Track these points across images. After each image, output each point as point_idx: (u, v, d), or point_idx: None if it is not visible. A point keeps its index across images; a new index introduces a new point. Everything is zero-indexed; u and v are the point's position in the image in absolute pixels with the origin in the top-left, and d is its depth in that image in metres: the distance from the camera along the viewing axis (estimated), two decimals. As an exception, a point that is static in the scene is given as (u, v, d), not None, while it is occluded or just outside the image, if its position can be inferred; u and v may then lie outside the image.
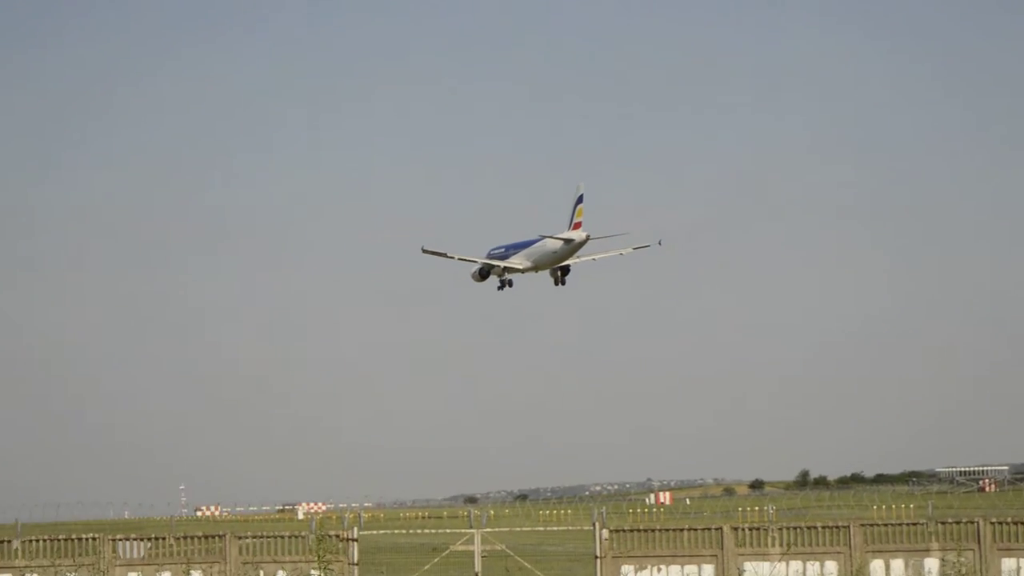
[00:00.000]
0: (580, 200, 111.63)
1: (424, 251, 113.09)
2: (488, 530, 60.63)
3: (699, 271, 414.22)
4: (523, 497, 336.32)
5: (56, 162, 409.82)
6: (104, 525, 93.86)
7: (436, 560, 60.44)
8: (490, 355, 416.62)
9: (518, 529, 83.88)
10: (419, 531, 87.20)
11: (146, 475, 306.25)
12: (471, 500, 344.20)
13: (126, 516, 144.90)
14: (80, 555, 55.22)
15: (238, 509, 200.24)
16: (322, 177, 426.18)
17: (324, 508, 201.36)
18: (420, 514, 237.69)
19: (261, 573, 48.73)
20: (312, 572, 50.51)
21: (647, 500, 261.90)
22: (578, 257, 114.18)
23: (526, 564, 59.36)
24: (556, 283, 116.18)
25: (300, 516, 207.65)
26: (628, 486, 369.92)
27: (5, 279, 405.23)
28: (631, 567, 57.08)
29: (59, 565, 44.88)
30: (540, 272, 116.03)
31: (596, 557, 57.42)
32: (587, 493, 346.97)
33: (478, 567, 57.87)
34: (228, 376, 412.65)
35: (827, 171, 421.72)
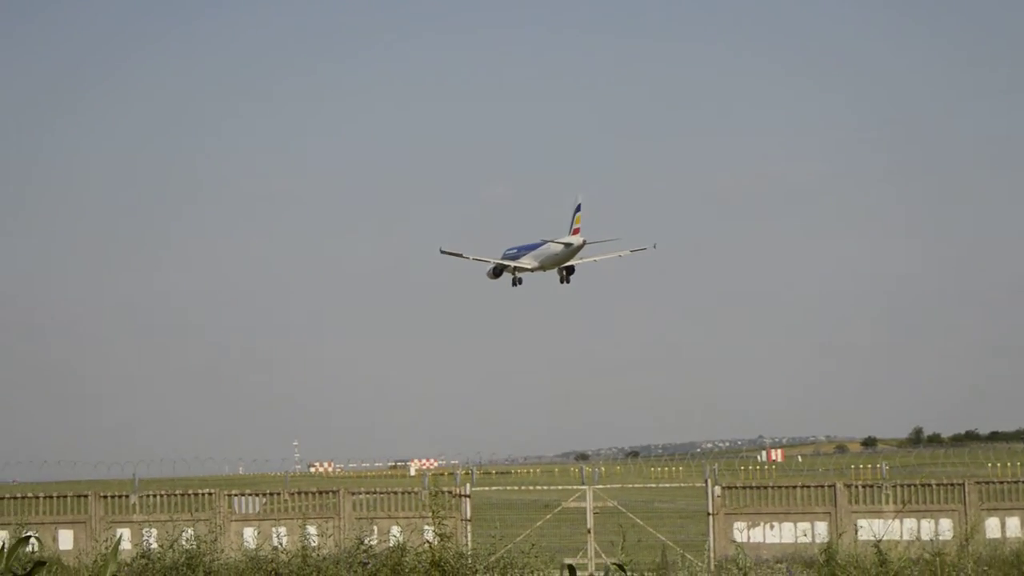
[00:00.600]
0: (578, 208, 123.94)
1: (442, 252, 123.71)
2: (600, 487, 60.70)
3: (810, 223, 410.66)
4: (634, 454, 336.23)
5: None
6: (219, 481, 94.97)
7: (548, 517, 60.56)
8: (602, 312, 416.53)
9: (629, 486, 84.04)
10: (531, 487, 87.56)
11: (260, 432, 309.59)
12: (582, 457, 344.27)
13: (240, 472, 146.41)
14: (196, 510, 55.92)
15: (351, 465, 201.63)
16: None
17: (436, 464, 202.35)
18: (532, 471, 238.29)
19: (375, 528, 49.18)
20: (425, 527, 50.86)
21: (759, 457, 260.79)
22: (580, 259, 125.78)
23: (638, 521, 59.36)
24: (561, 281, 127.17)
25: (412, 472, 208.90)
26: (740, 443, 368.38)
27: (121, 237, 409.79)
28: (743, 524, 56.92)
29: (176, 520, 45.53)
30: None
31: (708, 514, 57.32)
32: (698, 450, 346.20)
33: (590, 523, 57.96)
34: (342, 335, 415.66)
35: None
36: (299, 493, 58.60)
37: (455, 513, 53.94)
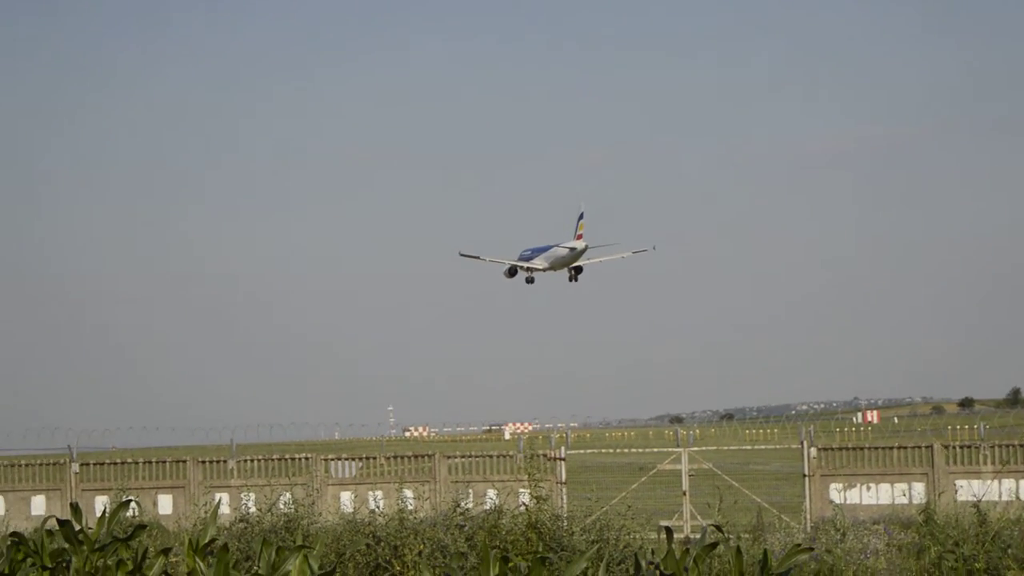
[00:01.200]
0: (582, 216, 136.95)
1: (461, 255, 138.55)
2: (695, 449, 60.62)
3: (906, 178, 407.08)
4: (729, 416, 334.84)
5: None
6: (316, 446, 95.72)
7: (643, 479, 60.56)
8: (694, 273, 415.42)
9: (724, 448, 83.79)
10: (625, 450, 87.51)
11: (355, 397, 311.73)
12: (677, 420, 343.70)
13: (336, 437, 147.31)
14: (293, 474, 56.37)
15: (445, 429, 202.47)
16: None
17: (530, 428, 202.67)
18: (626, 434, 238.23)
19: (471, 491, 49.41)
20: (520, 491, 51.00)
21: (854, 419, 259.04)
22: (587, 259, 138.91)
23: (733, 483, 59.18)
24: (570, 279, 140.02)
25: (507, 436, 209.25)
26: (835, 405, 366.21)
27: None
28: (840, 485, 56.63)
29: (274, 484, 45.98)
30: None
31: (804, 475, 57.05)
32: (793, 412, 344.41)
33: (685, 485, 57.92)
34: (434, 299, 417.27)
35: None
36: (395, 457, 58.94)
37: (550, 476, 54.04)
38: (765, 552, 14.68)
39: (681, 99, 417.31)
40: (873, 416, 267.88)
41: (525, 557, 20.46)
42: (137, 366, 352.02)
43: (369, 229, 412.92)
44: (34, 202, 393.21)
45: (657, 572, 20.47)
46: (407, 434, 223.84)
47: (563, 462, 56.17)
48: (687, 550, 20.44)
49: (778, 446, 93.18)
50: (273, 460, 57.77)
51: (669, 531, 21.23)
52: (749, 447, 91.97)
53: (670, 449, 61.58)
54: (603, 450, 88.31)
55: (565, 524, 26.50)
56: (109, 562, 19.16)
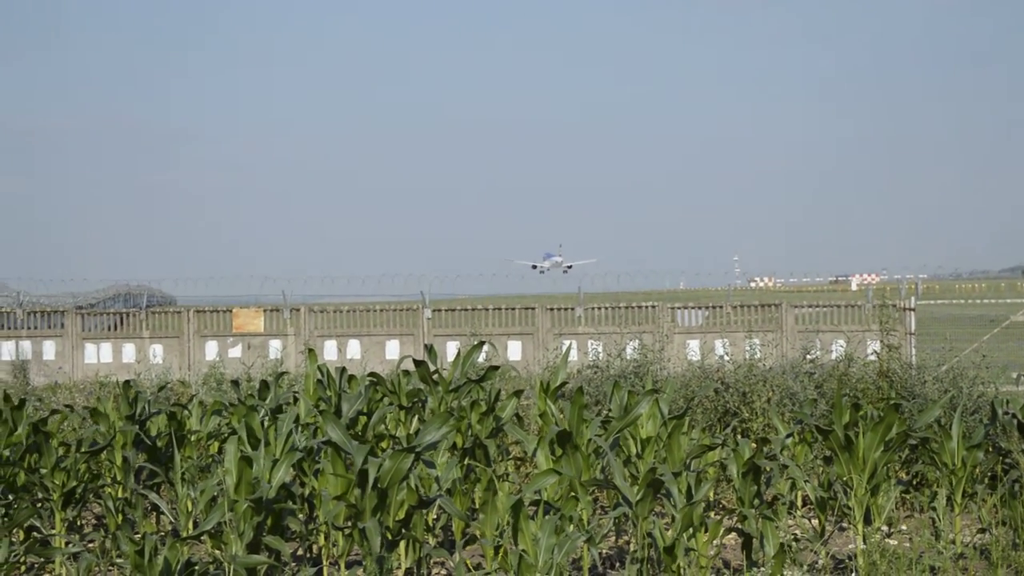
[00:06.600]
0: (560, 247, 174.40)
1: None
2: (1051, 300, 58.75)
3: None
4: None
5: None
6: (662, 295, 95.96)
7: (995, 331, 59.02)
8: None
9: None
10: (977, 301, 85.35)
11: (701, 246, 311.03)
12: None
13: (681, 287, 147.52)
14: (641, 323, 56.71)
15: (791, 280, 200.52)
16: None
17: (878, 279, 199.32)
18: (976, 286, 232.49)
19: (818, 341, 48.89)
20: (868, 341, 50.31)
21: None
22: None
23: (1093, 334, 57.20)
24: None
25: (854, 287, 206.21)
26: None
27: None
28: None
29: (622, 332, 46.32)
30: None
31: None
32: None
33: (1040, 338, 56.29)
34: (789, 148, 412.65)
35: None
36: (741, 307, 58.71)
37: (899, 327, 53.14)
38: None
39: None
40: None
41: (876, 405, 20.16)
42: (482, 215, 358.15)
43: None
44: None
45: (1014, 421, 19.99)
46: (752, 284, 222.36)
47: (912, 312, 55.13)
48: (1046, 399, 19.88)
49: None
50: (620, 308, 58.17)
51: (1027, 380, 20.73)
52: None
53: (1022, 300, 59.80)
54: (954, 301, 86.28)
55: (916, 373, 25.98)
56: (463, 402, 19.66)
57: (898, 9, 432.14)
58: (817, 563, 17.74)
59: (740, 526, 16.68)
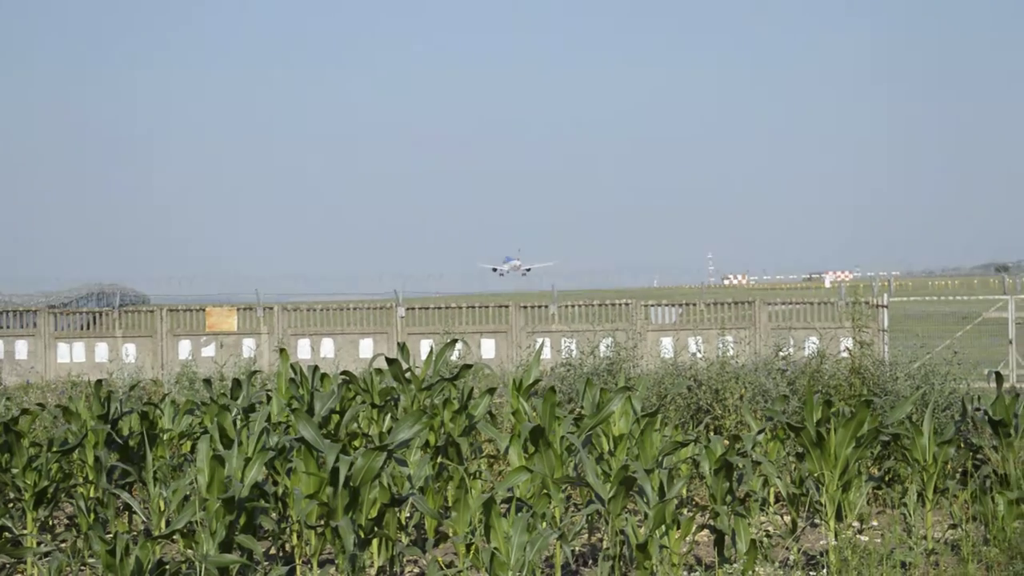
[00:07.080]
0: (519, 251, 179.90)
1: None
2: (1022, 296, 58.96)
3: None
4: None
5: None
6: (635, 293, 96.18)
7: (968, 327, 59.19)
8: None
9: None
10: (949, 298, 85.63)
11: (673, 244, 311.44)
12: (1002, 268, 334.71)
13: (655, 285, 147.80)
14: (614, 320, 56.73)
15: (765, 277, 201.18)
16: None
17: (851, 277, 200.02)
18: (949, 282, 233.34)
19: (791, 338, 48.97)
20: (841, 338, 50.45)
21: None
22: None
23: (1063, 332, 57.36)
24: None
25: (827, 284, 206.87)
26: None
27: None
28: None
29: (595, 330, 46.31)
30: None
31: None
32: None
33: (1012, 334, 56.45)
34: (760, 137, 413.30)
35: None
36: (714, 304, 58.82)
37: (872, 324, 53.28)
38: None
39: None
40: None
41: (848, 401, 20.25)
42: (460, 212, 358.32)
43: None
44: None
45: (985, 417, 20.07)
46: (726, 282, 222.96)
47: (885, 309, 55.30)
48: (1016, 396, 19.97)
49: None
50: (593, 306, 58.23)
51: (999, 376, 20.77)
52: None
53: (995, 297, 59.99)
54: (927, 298, 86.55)
55: (888, 370, 26.06)
56: (436, 400, 19.68)
57: (872, 9, 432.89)
58: (789, 559, 17.80)
59: (712, 523, 16.73)
